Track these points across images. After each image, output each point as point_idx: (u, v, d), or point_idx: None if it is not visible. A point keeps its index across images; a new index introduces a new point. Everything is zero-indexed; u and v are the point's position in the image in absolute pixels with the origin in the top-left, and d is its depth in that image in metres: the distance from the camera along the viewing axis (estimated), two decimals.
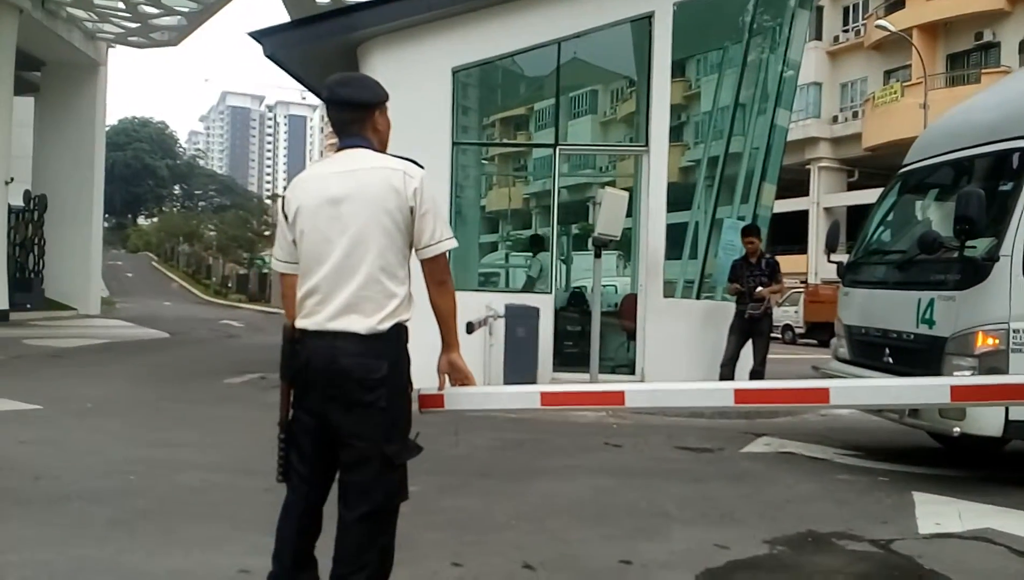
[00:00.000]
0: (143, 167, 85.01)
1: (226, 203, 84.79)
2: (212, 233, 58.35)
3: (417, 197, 2.55)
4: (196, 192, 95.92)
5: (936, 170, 6.46)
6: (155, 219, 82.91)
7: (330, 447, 2.58)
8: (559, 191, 10.24)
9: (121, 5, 22.94)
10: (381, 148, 2.71)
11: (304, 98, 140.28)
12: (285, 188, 2.74)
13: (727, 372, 8.78)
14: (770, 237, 10.49)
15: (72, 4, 22.93)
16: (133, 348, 15.28)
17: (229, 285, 46.79)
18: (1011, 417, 5.17)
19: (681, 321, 9.65)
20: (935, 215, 6.77)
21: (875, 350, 6.25)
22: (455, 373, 2.74)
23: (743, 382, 6.11)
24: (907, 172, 6.80)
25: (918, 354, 5.70)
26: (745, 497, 5.16)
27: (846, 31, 38.12)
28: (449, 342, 2.72)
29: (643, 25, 9.88)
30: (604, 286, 9.69)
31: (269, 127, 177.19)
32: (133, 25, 24.86)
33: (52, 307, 23.77)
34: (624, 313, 10.25)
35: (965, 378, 4.21)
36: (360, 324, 2.51)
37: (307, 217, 2.58)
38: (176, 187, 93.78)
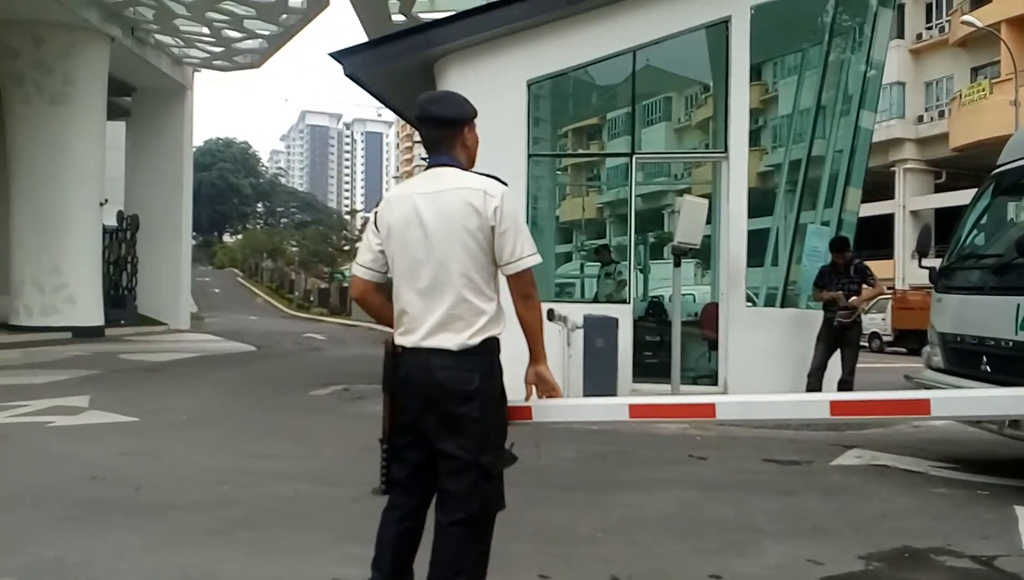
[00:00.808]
0: (228, 186, 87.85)
1: (307, 219, 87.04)
2: (294, 249, 59.88)
3: (497, 215, 2.60)
4: (278, 209, 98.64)
5: None
6: (240, 236, 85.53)
7: (429, 457, 2.65)
8: (635, 200, 10.19)
9: (206, 31, 23.84)
10: (469, 164, 2.78)
11: (380, 115, 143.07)
12: (377, 203, 2.83)
13: (815, 382, 8.56)
14: (856, 242, 10.20)
15: (160, 31, 23.94)
16: (222, 361, 15.77)
17: (311, 299, 47.88)
18: None
19: (764, 330, 9.46)
20: None
21: (971, 358, 6.02)
22: (542, 385, 2.78)
23: (838, 394, 5.92)
24: (1001, 173, 6.54)
25: (1018, 362, 5.46)
26: (837, 511, 5.02)
27: (929, 28, 36.89)
28: (536, 354, 2.77)
29: (719, 30, 9.75)
30: (683, 295, 9.57)
31: (347, 144, 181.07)
32: (217, 49, 25.80)
33: (145, 322, 24.73)
34: (705, 322, 10.10)
35: None
36: (452, 341, 2.59)
37: (397, 238, 2.68)
38: (259, 205, 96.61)
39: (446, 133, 2.73)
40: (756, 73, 11.49)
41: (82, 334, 20.23)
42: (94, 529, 4.37)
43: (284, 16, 22.90)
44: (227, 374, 13.28)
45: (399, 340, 2.68)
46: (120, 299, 24.18)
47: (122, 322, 23.20)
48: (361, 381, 11.79)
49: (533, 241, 2.70)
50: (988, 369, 5.80)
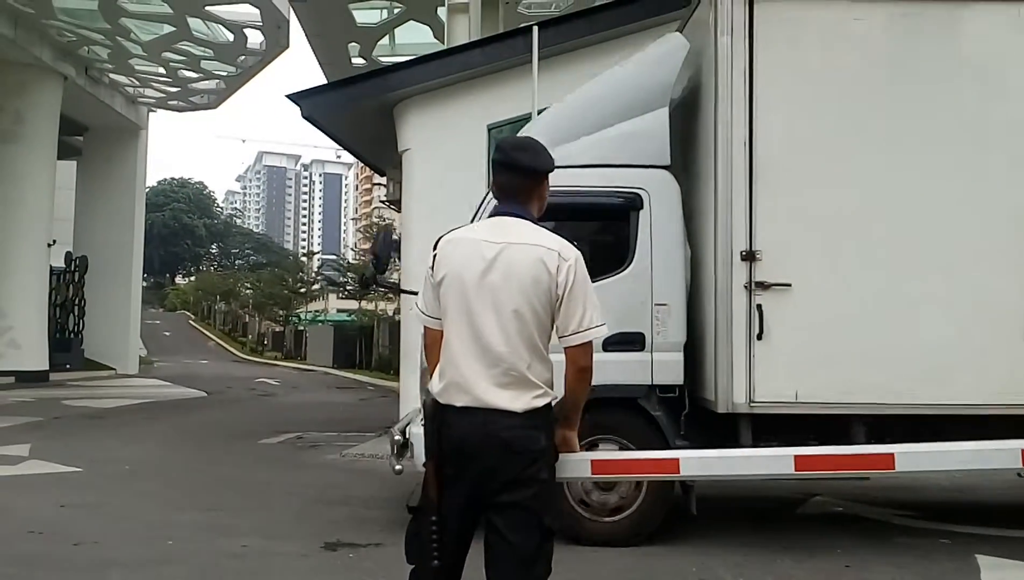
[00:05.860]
0: (181, 227, 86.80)
1: (262, 261, 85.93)
2: (248, 291, 59.02)
3: (569, 280, 2.46)
4: (233, 251, 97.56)
5: None
6: (192, 278, 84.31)
7: (473, 525, 2.49)
8: None
9: (162, 71, 23.67)
10: (538, 216, 2.65)
11: (339, 156, 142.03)
12: (435, 244, 2.61)
13: None
14: None
15: (114, 70, 23.70)
16: (171, 408, 15.37)
17: (265, 343, 47.23)
18: None
19: None
20: None
21: None
22: (565, 448, 2.64)
23: (803, 448, 5.93)
24: None
25: None
26: (800, 563, 4.95)
27: None
28: (572, 421, 2.63)
29: None
30: None
31: (305, 186, 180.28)
32: (173, 89, 25.61)
33: (91, 367, 24.07)
34: None
35: None
36: (514, 402, 2.42)
37: (454, 284, 2.50)
38: (213, 246, 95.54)
39: (527, 183, 2.60)
40: None
41: (25, 379, 19.63)
42: None
43: (242, 57, 22.84)
44: (175, 421, 12.91)
45: (447, 399, 2.47)
46: (66, 343, 23.58)
47: (68, 367, 22.57)
48: (315, 428, 11.56)
49: (601, 311, 2.54)
50: None
